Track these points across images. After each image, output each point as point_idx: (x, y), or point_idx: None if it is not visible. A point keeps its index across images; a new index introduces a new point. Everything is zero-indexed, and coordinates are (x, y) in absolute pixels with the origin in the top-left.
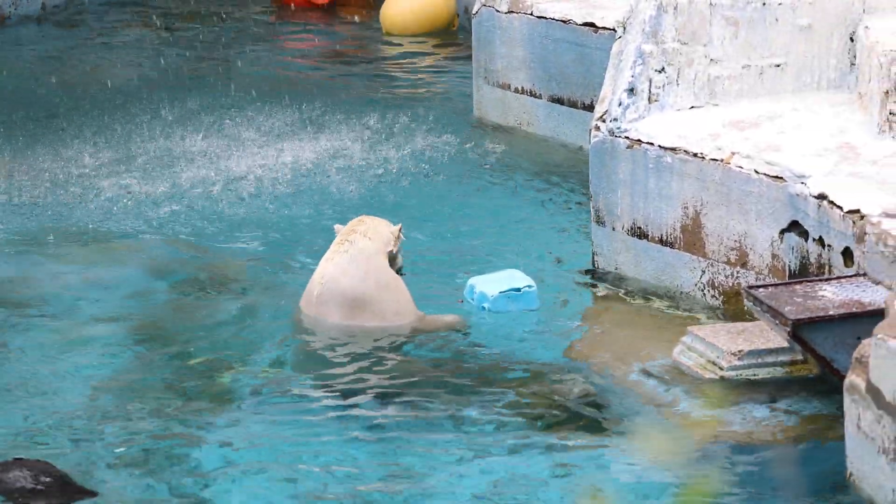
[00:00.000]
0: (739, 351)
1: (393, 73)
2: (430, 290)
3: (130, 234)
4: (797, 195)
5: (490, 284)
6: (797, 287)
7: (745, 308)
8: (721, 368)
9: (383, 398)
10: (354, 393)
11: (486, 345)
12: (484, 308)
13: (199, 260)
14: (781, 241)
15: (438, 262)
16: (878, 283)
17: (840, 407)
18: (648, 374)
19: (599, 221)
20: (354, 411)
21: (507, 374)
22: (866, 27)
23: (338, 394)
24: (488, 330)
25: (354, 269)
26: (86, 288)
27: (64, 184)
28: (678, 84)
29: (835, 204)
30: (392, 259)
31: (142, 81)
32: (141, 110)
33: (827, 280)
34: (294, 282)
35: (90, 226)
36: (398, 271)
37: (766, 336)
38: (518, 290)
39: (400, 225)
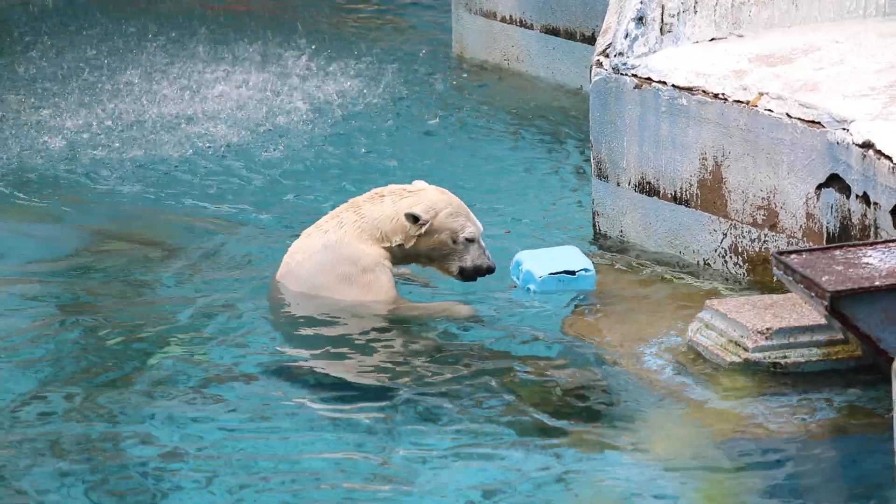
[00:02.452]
0: (767, 329)
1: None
2: None
3: (66, 187)
4: (837, 143)
5: (540, 263)
6: (836, 253)
7: (775, 278)
8: (745, 350)
9: (354, 388)
10: (324, 380)
11: (471, 325)
12: (529, 290)
13: (149, 220)
14: (818, 199)
15: None
16: None
17: (887, 394)
18: (659, 356)
19: (602, 175)
20: (324, 403)
21: (496, 360)
22: None
23: (307, 381)
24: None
25: (322, 256)
26: (6, 253)
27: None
28: (696, 11)
29: (883, 154)
30: (425, 251)
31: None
32: (75, 39)
33: (872, 245)
34: (261, 247)
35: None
36: (456, 271)
37: (800, 311)
38: (572, 272)
39: (423, 214)
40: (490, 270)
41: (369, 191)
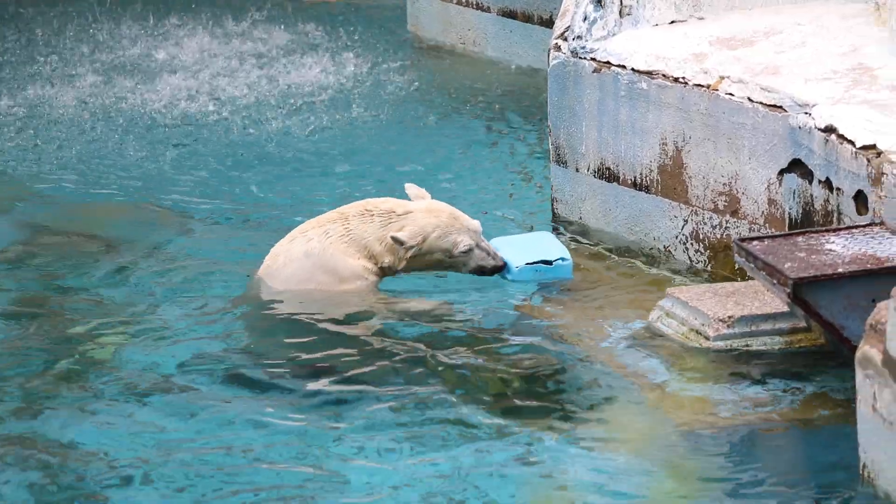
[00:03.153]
0: (729, 317)
1: None
2: None
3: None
4: (800, 128)
5: (516, 252)
6: (799, 239)
7: (736, 265)
8: (707, 338)
9: (310, 377)
10: (278, 376)
11: (437, 315)
12: (505, 278)
13: (99, 214)
14: (780, 184)
15: None
16: None
17: (851, 384)
18: (619, 345)
19: (560, 161)
20: (277, 394)
21: (452, 348)
22: None
23: (261, 372)
24: (427, 294)
25: (302, 263)
26: None
27: None
28: None
29: (845, 138)
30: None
31: None
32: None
33: (835, 231)
34: (216, 241)
35: None
36: (465, 272)
37: (762, 299)
38: (549, 262)
39: (409, 241)
40: (496, 269)
41: (358, 202)
